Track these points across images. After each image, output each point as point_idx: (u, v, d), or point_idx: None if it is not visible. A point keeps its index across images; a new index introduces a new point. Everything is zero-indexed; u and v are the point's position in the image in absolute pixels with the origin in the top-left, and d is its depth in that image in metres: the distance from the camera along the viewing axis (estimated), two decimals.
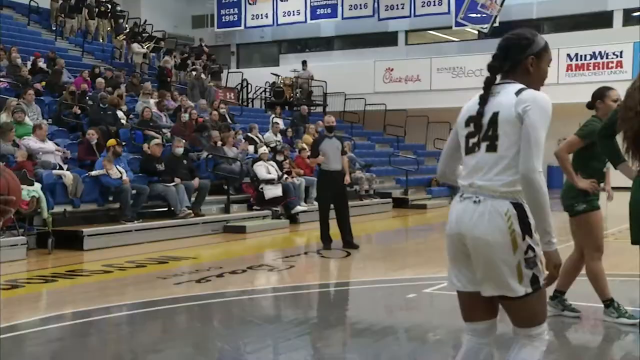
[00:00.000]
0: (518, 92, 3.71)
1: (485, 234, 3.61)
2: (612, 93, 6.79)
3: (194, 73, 26.17)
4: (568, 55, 27.01)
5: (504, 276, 3.61)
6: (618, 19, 29.69)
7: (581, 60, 27.02)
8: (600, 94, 6.75)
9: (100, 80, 19.82)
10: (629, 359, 5.95)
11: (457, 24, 27.37)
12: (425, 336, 7.02)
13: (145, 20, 30.93)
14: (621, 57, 26.36)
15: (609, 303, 6.83)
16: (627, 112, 4.79)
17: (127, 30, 28.17)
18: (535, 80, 3.85)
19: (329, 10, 32.29)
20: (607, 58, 26.70)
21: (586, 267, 6.93)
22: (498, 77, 3.93)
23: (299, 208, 16.97)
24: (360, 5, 31.52)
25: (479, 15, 26.47)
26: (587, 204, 6.77)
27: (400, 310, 8.21)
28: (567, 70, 26.54)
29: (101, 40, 27.86)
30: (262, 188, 16.56)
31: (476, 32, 30.40)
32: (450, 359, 6.46)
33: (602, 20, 29.62)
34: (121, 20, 28.90)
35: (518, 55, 3.90)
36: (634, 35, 25.02)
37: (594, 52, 26.55)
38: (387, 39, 33.11)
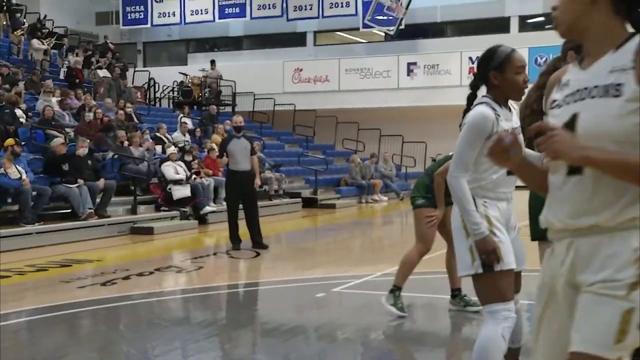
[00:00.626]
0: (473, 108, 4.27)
1: (453, 222, 4.36)
2: None
3: (99, 72, 25.71)
4: (470, 58, 27.53)
5: (462, 257, 4.27)
6: (514, 25, 30.66)
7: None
8: None
9: None
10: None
11: (365, 26, 27.59)
12: (334, 334, 7.04)
13: (45, 16, 30.19)
14: None
15: (395, 289, 7.16)
16: (525, 110, 4.95)
17: (26, 26, 27.43)
18: (507, 91, 4.26)
19: (238, 10, 32.15)
20: None
21: (407, 253, 7.23)
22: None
23: (207, 208, 16.84)
24: (269, 5, 31.47)
25: (385, 17, 26.77)
26: (425, 200, 7.09)
27: (310, 310, 8.20)
28: (469, 73, 27.02)
29: None
30: (170, 188, 16.38)
31: (383, 34, 30.74)
32: (359, 355, 6.51)
33: (500, 25, 30.41)
34: (18, 15, 28.08)
35: (483, 73, 4.29)
36: (529, 41, 25.68)
37: None
38: (295, 40, 33.20)
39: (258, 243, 12.39)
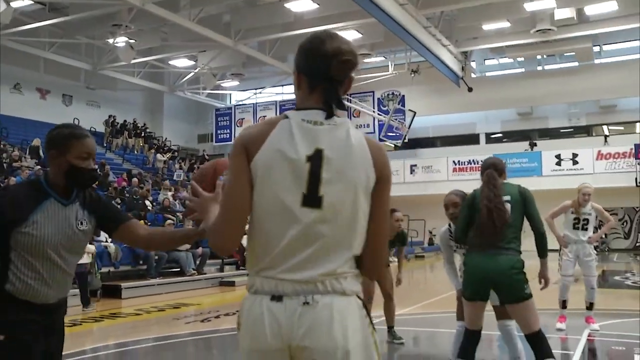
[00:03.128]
0: None
1: None
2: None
3: None
4: (453, 161, 27.66)
5: None
6: (482, 139, 30.75)
7: (461, 165, 27.66)
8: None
9: (134, 179, 19.80)
10: None
11: (380, 140, 27.86)
12: None
13: (165, 138, 31.06)
14: None
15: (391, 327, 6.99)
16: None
17: (155, 146, 28.33)
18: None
19: None
20: (477, 164, 27.36)
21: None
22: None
23: None
24: None
25: (394, 134, 27.00)
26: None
27: None
28: (453, 172, 27.15)
29: (136, 152, 27.84)
30: (245, 253, 16.34)
31: (393, 145, 31.02)
32: None
33: (472, 139, 30.56)
34: (150, 139, 29.16)
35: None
36: (493, 150, 25.78)
37: (470, 160, 27.21)
38: None
39: None
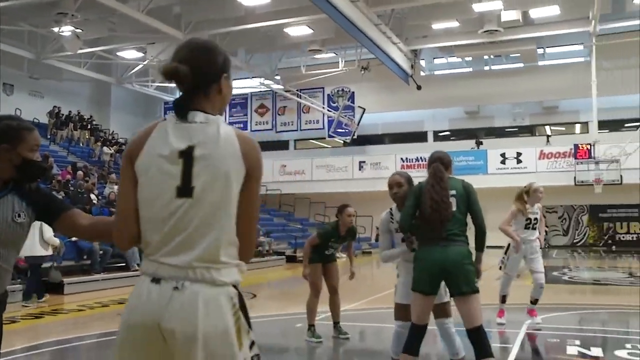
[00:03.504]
0: None
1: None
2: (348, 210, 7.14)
3: None
4: (401, 158, 28.02)
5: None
6: (430, 136, 31.23)
7: (409, 162, 28.05)
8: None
9: (79, 172, 19.35)
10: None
11: (329, 136, 27.94)
12: (309, 353, 6.93)
13: (113, 130, 30.43)
14: None
15: (310, 326, 7.03)
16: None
17: (102, 138, 27.74)
18: None
19: (242, 126, 32.70)
20: (425, 161, 27.57)
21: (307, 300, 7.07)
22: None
23: None
24: (263, 122, 32.08)
25: (343, 130, 27.16)
26: (315, 255, 6.98)
27: (290, 336, 7.93)
28: (401, 168, 27.45)
29: (82, 145, 27.17)
30: None
31: (342, 142, 31.20)
32: None
33: (420, 136, 30.99)
34: (97, 131, 28.48)
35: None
36: (440, 148, 25.84)
37: (417, 157, 27.59)
38: (281, 145, 33.42)
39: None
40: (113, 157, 26.05)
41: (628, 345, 6.20)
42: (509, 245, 7.71)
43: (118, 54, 26.60)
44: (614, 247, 26.93)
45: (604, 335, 7.34)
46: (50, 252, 10.77)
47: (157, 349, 1.90)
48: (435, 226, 4.23)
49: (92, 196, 17.00)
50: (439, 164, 4.46)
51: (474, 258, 4.31)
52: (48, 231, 10.38)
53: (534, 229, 7.63)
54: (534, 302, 7.65)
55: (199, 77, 2.02)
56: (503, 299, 7.88)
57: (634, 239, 27.26)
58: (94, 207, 16.30)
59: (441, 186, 4.30)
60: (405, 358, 4.32)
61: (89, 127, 28.04)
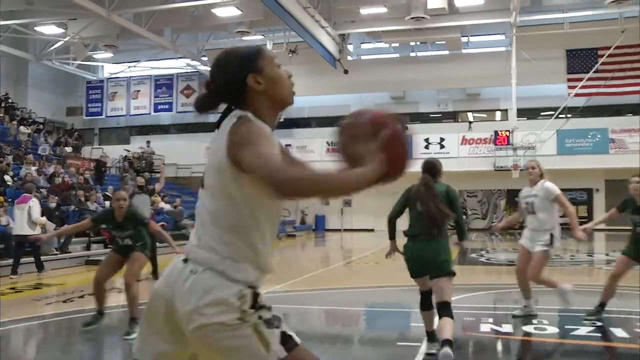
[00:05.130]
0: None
1: None
2: None
3: (66, 148, 24.82)
4: (327, 142, 28.21)
5: None
6: None
7: (335, 146, 28.21)
8: None
9: None
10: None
11: None
12: None
13: (30, 109, 29.15)
14: None
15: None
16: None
17: (18, 117, 26.43)
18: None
19: (167, 106, 32.16)
20: None
21: None
22: None
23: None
24: (189, 103, 31.49)
25: None
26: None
27: None
28: (327, 152, 27.65)
29: None
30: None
31: None
32: None
33: None
34: (13, 110, 27.09)
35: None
36: None
37: None
38: (207, 126, 32.86)
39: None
40: (31, 136, 25.01)
41: (535, 321, 6.56)
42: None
43: (36, 28, 25.44)
44: None
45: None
46: (38, 231, 11.29)
47: (168, 320, 2.02)
48: (429, 226, 4.99)
49: (7, 177, 16.27)
50: (428, 175, 5.18)
51: (451, 247, 5.11)
52: (36, 212, 10.94)
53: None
54: None
55: (223, 90, 2.22)
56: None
57: None
58: (9, 188, 15.63)
59: (433, 193, 5.06)
60: (425, 314, 5.24)
61: (3, 105, 26.73)
